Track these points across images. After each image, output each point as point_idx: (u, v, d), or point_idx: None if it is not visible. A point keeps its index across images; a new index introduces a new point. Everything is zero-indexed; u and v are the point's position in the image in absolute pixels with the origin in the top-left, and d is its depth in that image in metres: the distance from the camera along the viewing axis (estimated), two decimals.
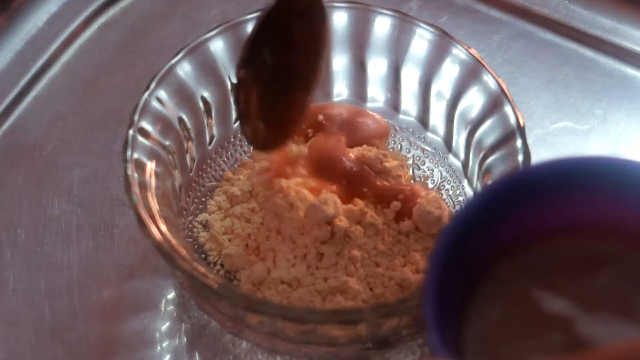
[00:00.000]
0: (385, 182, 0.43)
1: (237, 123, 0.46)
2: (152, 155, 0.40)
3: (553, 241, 0.31)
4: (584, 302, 0.29)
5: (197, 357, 0.42)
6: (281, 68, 0.39)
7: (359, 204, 0.41)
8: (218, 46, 0.43)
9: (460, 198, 0.45)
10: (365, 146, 0.45)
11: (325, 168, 0.43)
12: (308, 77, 0.39)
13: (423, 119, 0.46)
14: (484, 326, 0.30)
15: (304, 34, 0.39)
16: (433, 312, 0.27)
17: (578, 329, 0.28)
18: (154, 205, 0.37)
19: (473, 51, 0.42)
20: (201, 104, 0.44)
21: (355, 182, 0.42)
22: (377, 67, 0.46)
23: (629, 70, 0.54)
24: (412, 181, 0.45)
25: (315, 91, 0.39)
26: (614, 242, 0.31)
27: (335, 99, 0.48)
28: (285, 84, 0.39)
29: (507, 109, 0.40)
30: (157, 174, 0.39)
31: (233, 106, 0.46)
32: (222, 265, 0.42)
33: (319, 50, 0.39)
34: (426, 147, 0.47)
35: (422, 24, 0.44)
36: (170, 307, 0.44)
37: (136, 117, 0.39)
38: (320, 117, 0.46)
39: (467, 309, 0.30)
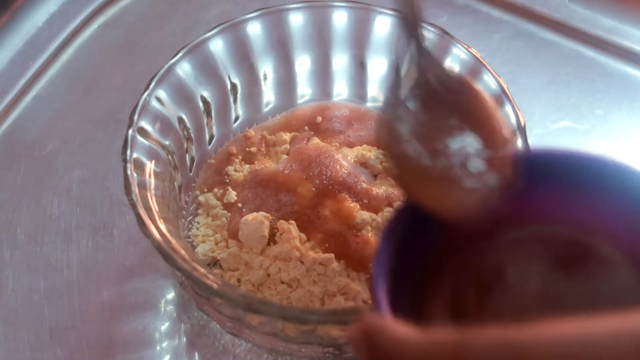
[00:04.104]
0: (375, 190, 0.42)
1: (237, 123, 0.46)
2: (152, 155, 0.39)
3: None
4: None
5: (196, 357, 0.42)
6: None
7: (357, 208, 0.41)
8: (218, 46, 0.43)
9: None
10: (365, 146, 0.45)
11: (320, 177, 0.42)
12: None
13: None
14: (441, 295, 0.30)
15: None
16: (381, 270, 0.28)
17: None
18: (154, 205, 0.37)
19: (473, 51, 0.42)
20: (201, 104, 0.44)
21: (348, 191, 0.42)
22: (377, 67, 0.46)
23: (630, 70, 0.54)
24: None
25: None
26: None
27: (335, 99, 0.48)
28: None
29: (508, 108, 0.40)
30: (156, 174, 0.39)
31: (232, 106, 0.46)
32: (221, 265, 0.42)
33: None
34: None
35: (422, 24, 0.43)
36: (170, 307, 0.44)
37: (136, 117, 0.39)
38: (319, 118, 0.46)
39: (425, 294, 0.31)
